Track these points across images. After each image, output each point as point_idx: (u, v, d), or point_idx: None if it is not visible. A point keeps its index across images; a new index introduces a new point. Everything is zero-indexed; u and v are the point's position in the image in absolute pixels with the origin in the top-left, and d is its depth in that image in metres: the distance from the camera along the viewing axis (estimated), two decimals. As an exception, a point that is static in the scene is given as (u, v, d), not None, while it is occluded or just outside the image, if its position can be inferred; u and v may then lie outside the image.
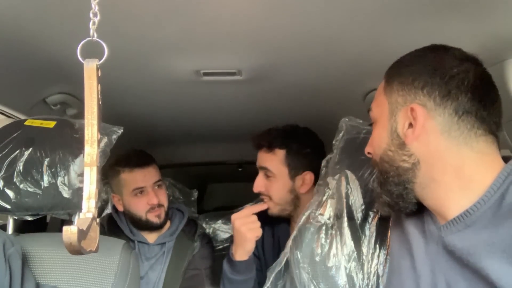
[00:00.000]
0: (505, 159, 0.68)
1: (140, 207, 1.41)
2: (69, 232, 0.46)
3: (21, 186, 0.95)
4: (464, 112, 0.66)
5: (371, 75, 1.02)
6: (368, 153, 0.80)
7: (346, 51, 1.02)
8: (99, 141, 0.54)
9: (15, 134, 1.00)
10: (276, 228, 1.37)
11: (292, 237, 0.98)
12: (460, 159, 0.67)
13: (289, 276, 0.99)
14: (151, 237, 1.47)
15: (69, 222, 1.11)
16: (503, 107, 0.96)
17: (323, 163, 1.05)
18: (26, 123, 1.04)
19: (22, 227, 1.09)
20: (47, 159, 0.97)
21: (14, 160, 0.96)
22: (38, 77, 1.16)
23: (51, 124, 1.03)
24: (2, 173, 0.96)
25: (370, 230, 0.92)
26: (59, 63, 1.06)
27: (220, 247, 2.05)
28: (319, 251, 0.91)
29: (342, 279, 0.87)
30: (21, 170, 0.96)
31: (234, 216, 1.21)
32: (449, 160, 0.67)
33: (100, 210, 1.76)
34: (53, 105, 1.30)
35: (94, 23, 0.56)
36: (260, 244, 1.39)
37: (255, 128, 1.38)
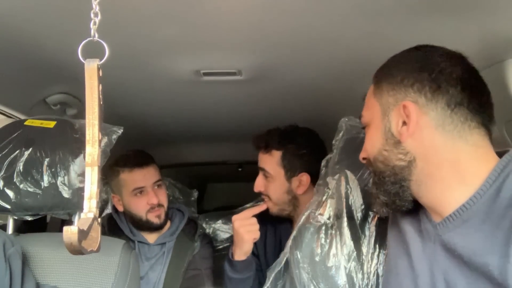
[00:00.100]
0: (499, 154, 0.68)
1: (140, 207, 1.41)
2: (70, 232, 0.46)
3: (21, 186, 0.95)
4: (456, 104, 0.67)
5: (371, 75, 1.02)
6: (363, 158, 0.81)
7: (346, 51, 1.02)
8: (100, 141, 0.54)
9: (15, 134, 1.00)
10: (279, 228, 1.38)
11: (292, 237, 0.98)
12: (455, 153, 0.67)
13: (289, 276, 0.99)
14: (151, 237, 1.46)
15: (69, 222, 1.11)
16: (503, 107, 0.96)
17: (323, 163, 1.05)
18: (26, 123, 1.04)
19: (22, 227, 1.09)
20: (47, 159, 0.97)
21: (14, 160, 0.96)
22: (38, 77, 1.16)
23: (51, 124, 1.03)
24: (2, 173, 0.96)
25: (370, 230, 0.92)
26: (59, 63, 1.06)
27: (220, 247, 2.05)
28: (319, 251, 0.91)
29: (342, 279, 0.88)
30: (21, 170, 0.96)
31: (234, 217, 1.23)
32: (445, 154, 0.67)
33: (100, 210, 1.76)
34: (53, 105, 1.30)
35: (95, 23, 0.56)
36: (262, 243, 1.40)
37: (255, 128, 1.39)
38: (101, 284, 0.96)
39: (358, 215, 0.92)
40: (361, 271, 0.88)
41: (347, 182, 0.95)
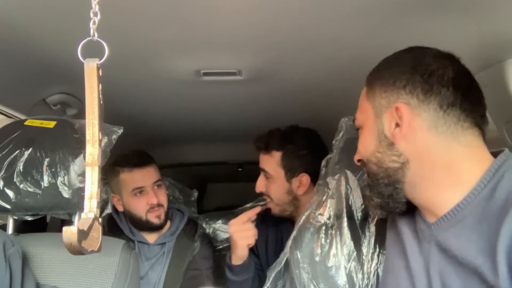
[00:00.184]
0: (494, 154, 0.68)
1: (140, 207, 1.41)
2: (69, 232, 0.46)
3: (21, 186, 0.95)
4: (449, 105, 0.67)
5: (371, 75, 1.02)
6: (358, 160, 0.81)
7: (346, 51, 1.02)
8: (100, 141, 0.54)
9: (15, 134, 1.00)
10: (280, 227, 1.38)
11: (292, 237, 0.98)
12: (449, 154, 0.67)
13: (289, 276, 0.99)
14: (151, 237, 1.46)
15: (69, 222, 1.11)
16: (503, 107, 0.97)
17: (323, 163, 1.05)
18: (26, 123, 1.04)
19: (22, 227, 1.08)
20: (47, 159, 0.97)
21: (14, 160, 0.96)
22: (38, 77, 1.16)
23: (51, 124, 1.03)
24: (2, 173, 0.96)
25: (370, 230, 0.92)
26: (59, 63, 1.06)
27: (220, 247, 2.04)
28: (319, 251, 0.91)
29: (342, 279, 0.88)
30: (21, 170, 0.96)
31: (231, 222, 1.24)
32: (438, 156, 0.67)
33: (100, 210, 1.76)
34: (53, 105, 1.30)
35: (94, 23, 0.56)
36: (264, 243, 1.41)
37: (255, 128, 1.39)
38: (101, 284, 0.96)
39: (358, 215, 0.92)
40: (361, 271, 0.88)
41: (347, 182, 0.95)
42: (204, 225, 2.04)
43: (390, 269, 0.81)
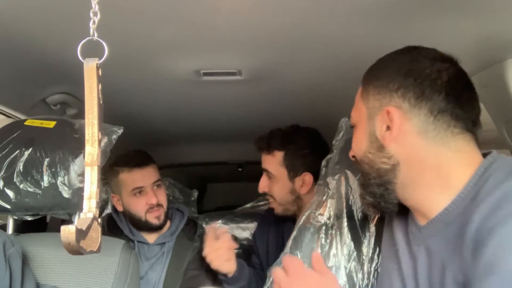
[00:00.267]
0: (486, 156, 0.68)
1: (139, 207, 1.41)
2: (67, 231, 0.46)
3: (21, 186, 0.95)
4: (439, 111, 0.67)
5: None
6: (353, 156, 0.81)
7: (346, 50, 1.02)
8: (100, 141, 0.54)
9: (15, 134, 1.00)
10: (282, 227, 1.39)
11: (292, 237, 0.98)
12: (438, 159, 0.67)
13: (289, 276, 0.99)
14: (150, 237, 1.46)
15: (69, 222, 1.11)
16: (503, 107, 0.96)
17: (323, 163, 1.05)
18: (26, 123, 1.04)
19: (22, 227, 1.08)
20: (47, 159, 0.97)
21: (14, 160, 0.96)
22: (38, 77, 1.16)
23: (51, 124, 1.03)
24: (2, 173, 0.96)
25: (370, 230, 0.92)
26: (59, 63, 1.06)
27: (220, 247, 2.04)
28: (319, 251, 0.91)
29: (342, 279, 0.87)
30: (21, 170, 0.96)
31: (206, 251, 1.27)
32: (428, 160, 0.68)
33: (101, 210, 1.76)
34: (53, 105, 1.30)
35: (94, 22, 0.56)
36: (265, 243, 1.41)
37: (255, 128, 1.39)
38: (101, 284, 0.96)
39: (358, 215, 0.92)
40: (361, 271, 0.88)
41: (347, 182, 0.95)
42: (204, 225, 2.04)
43: (385, 271, 0.81)
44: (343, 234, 0.90)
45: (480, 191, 0.62)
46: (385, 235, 0.84)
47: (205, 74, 1.16)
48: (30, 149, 0.97)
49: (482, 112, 1.10)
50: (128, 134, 1.06)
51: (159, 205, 1.42)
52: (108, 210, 1.72)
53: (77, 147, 0.98)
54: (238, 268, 1.28)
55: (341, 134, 1.01)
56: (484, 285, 0.55)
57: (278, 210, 1.33)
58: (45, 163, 0.96)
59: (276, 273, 0.72)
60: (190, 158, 2.23)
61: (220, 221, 2.10)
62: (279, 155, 1.29)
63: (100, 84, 0.54)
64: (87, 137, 0.53)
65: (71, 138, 1.00)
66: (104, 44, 0.56)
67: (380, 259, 0.88)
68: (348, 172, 0.95)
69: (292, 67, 1.14)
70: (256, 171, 1.36)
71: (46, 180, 0.95)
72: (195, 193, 2.11)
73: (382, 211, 0.76)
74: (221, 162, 2.32)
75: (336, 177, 0.96)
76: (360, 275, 0.88)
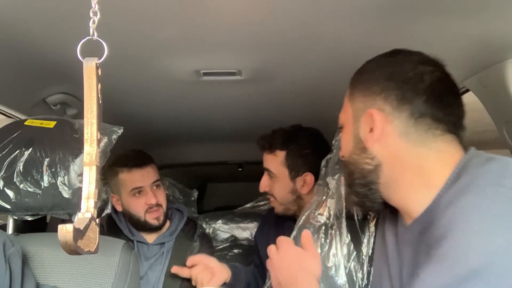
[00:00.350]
0: None
1: (139, 207, 1.41)
2: (64, 231, 0.46)
3: (21, 186, 0.95)
4: (420, 115, 0.68)
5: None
6: (342, 156, 0.82)
7: (346, 50, 1.02)
8: (98, 141, 0.54)
9: (15, 134, 1.00)
10: (283, 226, 1.39)
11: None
12: (419, 159, 0.68)
13: (289, 276, 0.99)
14: (150, 237, 1.46)
15: (69, 222, 1.11)
16: (503, 107, 0.96)
17: (323, 163, 1.05)
18: (26, 123, 1.04)
19: (22, 227, 1.08)
20: (47, 159, 0.97)
21: (14, 160, 0.96)
22: (38, 77, 1.16)
23: (51, 124, 1.03)
24: (2, 173, 0.96)
25: (370, 230, 0.91)
26: (59, 63, 1.06)
27: (220, 247, 2.04)
28: (318, 251, 0.91)
29: (341, 279, 0.87)
30: (21, 170, 0.96)
31: (193, 272, 1.29)
32: (409, 160, 0.69)
33: (101, 210, 1.76)
34: (53, 105, 1.30)
35: (94, 22, 0.56)
36: (266, 243, 1.41)
37: (255, 128, 1.39)
38: (101, 284, 0.96)
39: (358, 215, 0.92)
40: (361, 271, 0.88)
41: (347, 182, 0.95)
42: (204, 225, 2.04)
43: (376, 272, 0.82)
44: (342, 234, 0.90)
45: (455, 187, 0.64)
46: (377, 235, 0.85)
47: (205, 74, 1.16)
48: (30, 149, 0.97)
49: (482, 112, 1.10)
50: (128, 134, 1.06)
51: (158, 205, 1.42)
52: (108, 210, 1.72)
53: (77, 147, 0.98)
54: (233, 275, 1.29)
55: (341, 134, 1.00)
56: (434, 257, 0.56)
57: (279, 210, 1.34)
58: (45, 163, 0.96)
59: (270, 249, 0.84)
60: (190, 158, 2.23)
61: (220, 221, 2.10)
62: (281, 154, 1.30)
63: (99, 84, 0.54)
64: (86, 136, 0.52)
65: (71, 138, 1.00)
66: (104, 43, 0.56)
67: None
68: (348, 172, 0.95)
69: (292, 67, 1.14)
70: (256, 171, 1.36)
71: (46, 180, 0.95)
72: (195, 193, 2.11)
73: (368, 210, 0.78)
74: (221, 162, 2.32)
75: (336, 177, 0.96)
76: (360, 275, 0.88)
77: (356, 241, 0.90)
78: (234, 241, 2.08)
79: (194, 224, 1.60)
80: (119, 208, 1.47)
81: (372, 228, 0.91)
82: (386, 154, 0.70)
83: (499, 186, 0.58)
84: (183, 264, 1.37)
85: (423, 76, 0.69)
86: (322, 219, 0.94)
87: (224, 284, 1.30)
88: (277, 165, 1.30)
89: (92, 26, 0.56)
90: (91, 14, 0.56)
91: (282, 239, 0.84)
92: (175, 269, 1.34)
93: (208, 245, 1.56)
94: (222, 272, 1.30)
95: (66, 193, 0.96)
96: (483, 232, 0.54)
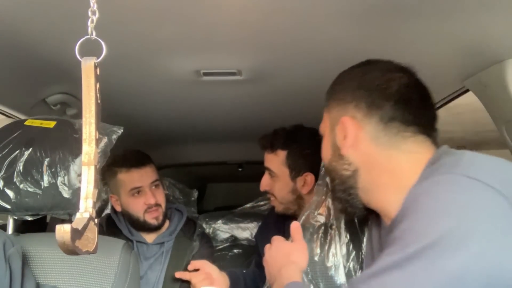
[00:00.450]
0: None
1: (138, 207, 1.41)
2: (62, 230, 0.45)
3: (21, 186, 0.95)
4: (389, 119, 0.71)
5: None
6: (323, 164, 0.86)
7: (346, 51, 1.02)
8: (97, 140, 0.53)
9: (15, 134, 1.00)
10: (284, 225, 1.39)
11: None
12: (391, 161, 0.71)
13: (288, 276, 0.99)
14: (149, 237, 1.46)
15: (69, 222, 1.11)
16: (503, 107, 0.96)
17: (323, 163, 1.05)
18: (26, 123, 1.04)
19: (22, 227, 1.08)
20: (47, 159, 0.97)
21: (14, 160, 0.96)
22: (38, 77, 1.16)
23: (51, 124, 1.03)
24: (2, 173, 0.96)
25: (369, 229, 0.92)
26: (59, 63, 1.06)
27: (220, 247, 2.05)
28: (318, 250, 0.91)
29: (341, 279, 0.87)
30: (21, 170, 0.96)
31: (193, 280, 1.29)
32: (382, 163, 0.72)
33: (101, 210, 1.76)
34: (53, 105, 1.30)
35: (92, 21, 0.56)
36: (266, 241, 1.41)
37: (255, 128, 1.39)
38: (101, 284, 0.96)
39: (357, 215, 0.92)
40: (360, 271, 0.88)
41: (346, 182, 0.95)
42: (204, 225, 2.04)
43: None
44: (342, 233, 0.90)
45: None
46: (366, 239, 0.87)
47: (205, 74, 1.16)
48: (30, 149, 0.97)
49: (482, 112, 1.10)
50: (128, 134, 1.06)
51: (157, 205, 1.42)
52: (108, 210, 1.72)
53: (77, 147, 0.98)
54: (232, 285, 1.30)
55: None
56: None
57: (279, 209, 1.34)
58: (45, 163, 0.96)
59: (266, 247, 0.91)
60: (190, 158, 2.23)
61: (220, 221, 2.10)
62: (282, 154, 1.30)
63: (98, 83, 0.54)
64: (84, 136, 0.52)
65: (71, 138, 1.00)
66: (102, 43, 0.56)
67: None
68: (348, 172, 0.95)
69: (292, 67, 1.14)
70: (256, 171, 1.36)
71: (46, 180, 0.95)
72: (195, 193, 2.11)
73: (351, 215, 0.81)
74: (221, 162, 2.32)
75: (336, 177, 0.96)
76: (359, 274, 0.88)
77: (356, 240, 0.90)
78: (234, 241, 2.08)
79: (193, 223, 1.60)
80: (118, 208, 1.47)
81: (372, 228, 0.91)
82: (361, 159, 0.74)
83: (449, 174, 0.62)
84: (182, 263, 1.37)
85: (390, 82, 0.73)
86: (322, 219, 0.94)
87: None
88: (278, 164, 1.30)
89: (90, 26, 0.56)
90: (89, 13, 0.56)
91: (275, 238, 0.90)
92: (179, 275, 1.34)
93: (208, 244, 1.56)
94: (221, 282, 1.30)
95: (66, 193, 0.96)
96: (430, 215, 0.59)
